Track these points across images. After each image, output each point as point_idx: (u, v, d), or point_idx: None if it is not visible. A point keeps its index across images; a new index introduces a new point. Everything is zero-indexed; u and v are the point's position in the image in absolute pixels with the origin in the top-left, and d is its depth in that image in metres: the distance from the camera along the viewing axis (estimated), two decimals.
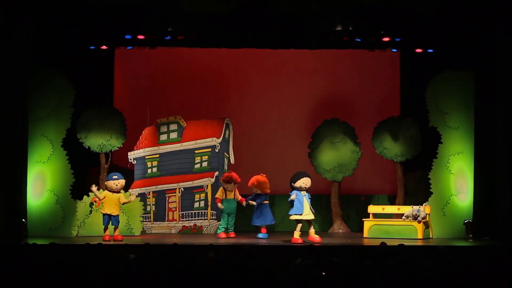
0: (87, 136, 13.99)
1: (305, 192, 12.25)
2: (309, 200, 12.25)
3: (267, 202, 13.30)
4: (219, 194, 13.33)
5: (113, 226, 12.72)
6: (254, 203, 13.17)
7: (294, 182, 12.27)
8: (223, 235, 13.06)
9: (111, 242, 12.06)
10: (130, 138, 14.31)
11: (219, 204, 13.23)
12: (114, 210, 12.65)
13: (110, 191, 12.76)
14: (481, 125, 13.23)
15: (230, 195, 13.30)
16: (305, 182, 12.28)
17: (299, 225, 12.18)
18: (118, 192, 12.81)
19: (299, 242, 11.96)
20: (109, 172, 14.07)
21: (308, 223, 12.28)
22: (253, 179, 13.16)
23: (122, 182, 12.86)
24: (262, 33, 13.51)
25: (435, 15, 12.93)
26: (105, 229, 12.59)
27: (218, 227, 13.47)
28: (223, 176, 13.44)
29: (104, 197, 12.68)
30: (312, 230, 12.25)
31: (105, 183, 12.94)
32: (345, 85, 15.43)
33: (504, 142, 12.30)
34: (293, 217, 12.24)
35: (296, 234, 12.11)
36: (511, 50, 12.14)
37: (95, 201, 13.33)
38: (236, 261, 7.54)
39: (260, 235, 13.08)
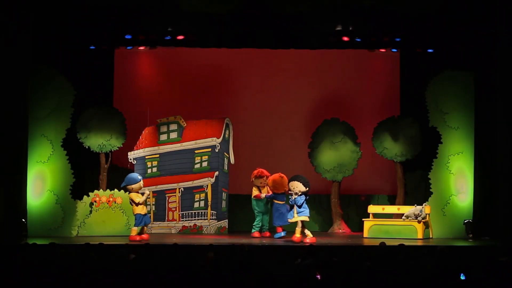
0: (87, 136, 13.98)
1: (295, 195, 12.34)
2: (297, 202, 12.30)
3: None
4: (256, 191, 13.34)
5: (145, 225, 12.82)
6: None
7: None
8: (257, 234, 13.14)
9: (113, 242, 11.99)
10: (130, 138, 14.30)
11: (262, 195, 13.20)
12: (145, 209, 12.72)
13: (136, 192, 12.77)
14: (481, 125, 13.24)
15: (263, 192, 13.38)
16: (292, 185, 12.46)
17: (298, 225, 12.38)
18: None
19: (297, 240, 12.18)
20: (109, 172, 14.08)
21: (301, 223, 12.42)
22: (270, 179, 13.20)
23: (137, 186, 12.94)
24: (262, 33, 13.50)
25: (435, 15, 12.93)
26: (137, 229, 12.57)
27: (253, 226, 13.36)
28: (256, 172, 13.39)
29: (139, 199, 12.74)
30: (297, 229, 12.36)
31: (133, 186, 12.76)
32: (345, 85, 15.43)
33: (504, 142, 12.30)
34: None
35: (299, 233, 12.33)
36: (511, 50, 12.14)
37: (95, 201, 13.34)
38: (236, 261, 7.54)
39: (277, 235, 13.13)
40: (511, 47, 12.14)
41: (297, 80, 15.43)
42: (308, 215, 12.47)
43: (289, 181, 12.52)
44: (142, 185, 12.91)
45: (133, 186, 12.76)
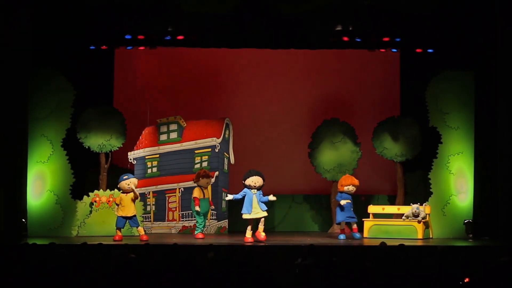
0: (87, 136, 13.98)
1: (255, 190, 12.25)
2: (261, 198, 12.24)
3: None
4: (198, 193, 13.01)
5: (135, 228, 12.75)
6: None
7: (244, 180, 12.35)
8: (202, 236, 12.86)
9: (113, 242, 11.99)
10: (130, 138, 14.31)
11: (197, 207, 12.88)
12: (130, 211, 12.57)
13: (123, 192, 12.71)
14: (481, 125, 13.24)
15: (206, 194, 13.20)
16: (254, 180, 12.29)
17: (249, 226, 12.23)
18: (131, 191, 12.75)
19: (250, 241, 11.99)
20: (109, 172, 14.10)
21: (259, 220, 12.29)
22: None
23: (134, 181, 12.80)
24: (262, 33, 13.50)
25: (435, 15, 12.93)
26: (118, 230, 12.53)
27: (197, 227, 12.98)
28: (201, 172, 13.15)
29: (121, 200, 12.66)
30: (261, 227, 12.20)
31: (118, 185, 12.80)
32: (345, 85, 15.43)
33: (504, 142, 12.30)
34: (244, 216, 12.28)
35: (248, 233, 12.16)
36: (511, 50, 12.14)
37: (95, 201, 13.34)
38: (236, 261, 7.54)
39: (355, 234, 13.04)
40: (511, 47, 12.14)
41: (297, 80, 15.44)
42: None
43: (248, 176, 12.31)
44: (128, 184, 12.68)
45: (119, 185, 12.78)
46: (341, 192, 13.14)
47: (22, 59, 12.31)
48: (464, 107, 13.55)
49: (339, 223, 13.24)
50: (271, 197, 12.28)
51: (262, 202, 12.27)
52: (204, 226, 13.06)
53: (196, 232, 12.95)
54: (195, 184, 13.19)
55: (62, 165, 13.57)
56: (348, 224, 13.18)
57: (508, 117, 12.22)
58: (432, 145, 13.77)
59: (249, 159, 14.68)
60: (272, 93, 15.43)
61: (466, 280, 7.06)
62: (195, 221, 13.11)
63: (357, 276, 6.89)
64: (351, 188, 13.12)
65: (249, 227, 12.25)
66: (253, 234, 12.21)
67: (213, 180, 14.05)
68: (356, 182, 13.16)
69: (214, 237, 13.20)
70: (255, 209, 12.22)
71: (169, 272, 7.15)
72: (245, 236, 12.18)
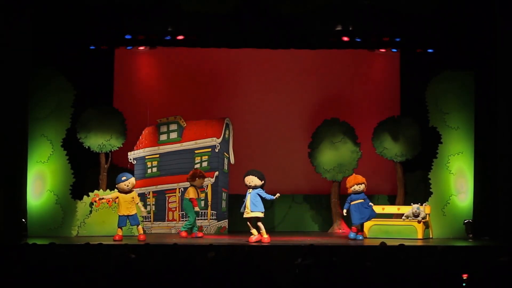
0: (87, 136, 13.98)
1: (250, 190, 12.31)
2: (265, 196, 12.26)
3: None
4: (194, 194, 13.13)
5: (134, 226, 12.79)
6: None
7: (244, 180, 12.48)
8: (185, 234, 12.95)
9: (113, 242, 11.99)
10: (130, 138, 14.31)
11: (197, 208, 13.01)
12: (130, 210, 12.63)
13: (121, 192, 12.73)
14: (481, 125, 13.25)
15: (200, 194, 13.30)
16: (248, 180, 12.40)
17: (248, 223, 12.31)
18: (131, 191, 12.77)
19: (253, 240, 12.09)
20: (109, 172, 14.09)
21: (256, 220, 12.32)
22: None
23: (132, 181, 12.84)
24: (262, 33, 13.50)
25: (435, 15, 12.93)
26: (119, 229, 12.57)
27: (186, 225, 13.10)
28: (197, 172, 13.25)
29: (117, 197, 12.67)
30: (262, 231, 12.25)
31: (116, 186, 12.82)
32: (345, 85, 15.42)
33: (504, 142, 12.30)
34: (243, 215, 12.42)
35: (253, 233, 12.26)
36: (511, 50, 12.14)
37: (95, 201, 13.33)
38: (236, 261, 7.54)
39: (357, 236, 12.95)
40: (511, 47, 12.14)
41: (297, 80, 15.42)
42: (263, 210, 12.40)
43: (244, 177, 12.46)
44: (127, 184, 12.73)
45: (117, 185, 12.80)
46: (349, 194, 13.14)
47: (22, 59, 12.32)
48: (464, 107, 13.56)
49: (356, 225, 13.10)
50: (276, 196, 12.30)
51: (268, 200, 12.30)
52: (191, 225, 13.10)
53: (181, 229, 13.06)
54: (189, 184, 13.23)
55: (62, 165, 13.58)
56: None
57: (508, 117, 12.22)
58: (432, 145, 13.78)
59: (249, 159, 14.67)
60: (272, 93, 15.42)
61: (465, 276, 7.06)
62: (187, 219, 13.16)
63: (357, 276, 6.89)
64: (357, 188, 13.06)
65: (250, 227, 12.30)
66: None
67: (213, 180, 14.07)
68: (360, 179, 13.10)
69: (214, 237, 13.19)
70: (246, 208, 12.29)
71: (169, 272, 7.15)
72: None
